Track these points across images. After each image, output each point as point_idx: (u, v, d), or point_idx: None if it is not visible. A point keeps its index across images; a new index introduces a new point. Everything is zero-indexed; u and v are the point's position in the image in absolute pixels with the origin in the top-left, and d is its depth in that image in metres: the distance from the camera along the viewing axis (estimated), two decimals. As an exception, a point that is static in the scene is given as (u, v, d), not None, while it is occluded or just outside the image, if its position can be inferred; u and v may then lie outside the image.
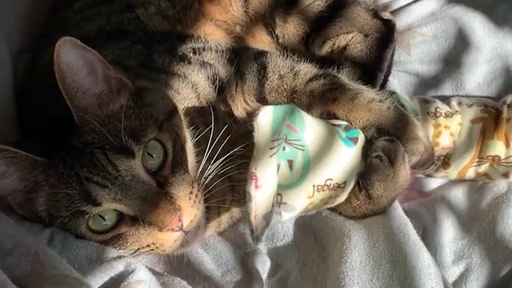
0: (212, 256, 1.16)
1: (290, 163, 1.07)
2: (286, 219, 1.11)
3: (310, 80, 1.17)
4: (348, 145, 1.11)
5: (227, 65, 1.20)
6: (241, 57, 1.21)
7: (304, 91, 1.16)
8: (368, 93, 1.15)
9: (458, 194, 1.24)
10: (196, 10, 1.31)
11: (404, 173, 1.12)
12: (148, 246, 1.03)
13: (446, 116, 1.23)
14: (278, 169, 1.05)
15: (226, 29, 1.33)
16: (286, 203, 1.08)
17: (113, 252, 1.02)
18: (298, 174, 1.08)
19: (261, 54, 1.22)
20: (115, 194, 0.98)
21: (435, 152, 1.19)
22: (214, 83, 1.18)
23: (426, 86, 1.42)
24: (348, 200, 1.14)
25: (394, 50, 1.36)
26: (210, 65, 1.19)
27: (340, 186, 1.10)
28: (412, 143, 1.12)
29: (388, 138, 1.11)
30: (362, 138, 1.13)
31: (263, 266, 1.14)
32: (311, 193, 1.08)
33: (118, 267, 1.01)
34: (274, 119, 1.05)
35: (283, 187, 1.07)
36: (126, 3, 1.31)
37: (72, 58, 1.00)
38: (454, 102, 1.25)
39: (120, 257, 1.02)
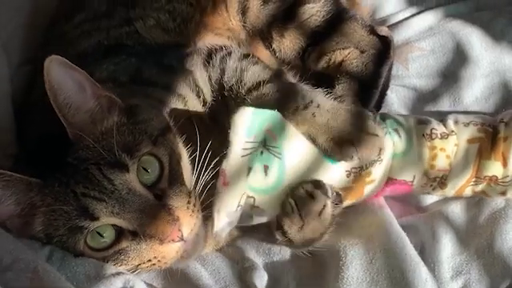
0: (210, 271, 1.17)
1: (266, 168, 1.08)
2: (257, 223, 1.13)
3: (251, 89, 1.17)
4: (331, 161, 1.12)
5: (203, 67, 1.21)
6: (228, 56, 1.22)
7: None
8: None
9: (456, 209, 1.24)
10: (197, 22, 1.33)
11: (316, 225, 1.12)
12: (149, 260, 1.02)
13: (442, 137, 1.20)
14: (250, 171, 1.06)
15: (229, 36, 1.35)
16: (258, 207, 1.09)
17: (111, 268, 1.02)
18: (273, 181, 1.09)
19: (243, 57, 1.22)
20: (112, 207, 0.98)
21: (431, 175, 1.19)
22: (198, 96, 1.19)
23: (423, 100, 1.42)
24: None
25: (391, 65, 1.37)
26: (191, 71, 1.20)
27: None
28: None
29: (314, 184, 1.11)
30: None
31: (261, 281, 1.15)
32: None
33: (117, 284, 1.01)
34: (253, 121, 1.05)
35: (257, 191, 1.08)
36: (126, 17, 1.31)
37: (61, 76, 1.00)
38: (450, 121, 1.22)
39: (119, 273, 1.02)
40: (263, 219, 1.11)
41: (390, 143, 1.17)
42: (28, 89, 1.34)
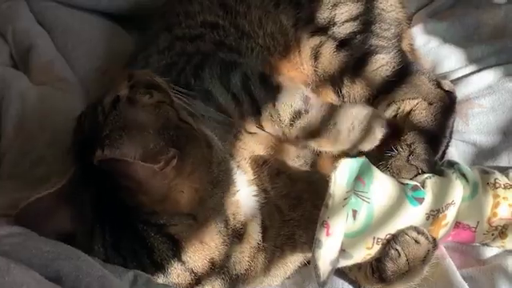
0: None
1: (354, 213, 1.11)
2: (342, 266, 1.15)
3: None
4: (413, 204, 1.15)
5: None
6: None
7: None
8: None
9: (516, 264, 1.25)
10: (269, 65, 1.38)
11: (418, 271, 1.15)
12: None
13: (505, 187, 1.23)
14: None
15: (297, 78, 1.40)
16: (344, 250, 1.12)
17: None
18: (360, 225, 1.12)
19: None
20: None
21: (493, 223, 1.21)
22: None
23: (482, 156, 1.44)
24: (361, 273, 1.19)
25: (454, 120, 1.40)
26: None
27: None
28: None
29: (417, 230, 1.15)
30: (428, 199, 1.17)
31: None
32: (370, 244, 1.13)
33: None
34: (350, 172, 1.10)
35: (345, 235, 1.10)
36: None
37: None
38: None
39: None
40: (348, 262, 1.14)
41: (461, 186, 1.21)
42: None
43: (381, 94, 1.37)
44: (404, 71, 1.38)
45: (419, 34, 1.62)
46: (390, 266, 1.13)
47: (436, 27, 1.63)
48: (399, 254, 1.13)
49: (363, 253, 1.13)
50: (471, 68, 1.56)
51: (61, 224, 1.06)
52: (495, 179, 1.24)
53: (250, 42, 1.39)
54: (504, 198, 1.22)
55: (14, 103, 1.34)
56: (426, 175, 1.24)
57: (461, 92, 1.50)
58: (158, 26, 1.47)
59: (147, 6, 1.68)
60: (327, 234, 1.05)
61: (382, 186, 1.14)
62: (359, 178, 1.12)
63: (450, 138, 1.39)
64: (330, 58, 1.39)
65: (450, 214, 1.19)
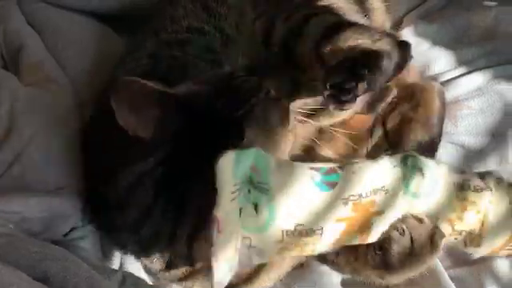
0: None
1: (256, 206, 1.05)
2: (258, 263, 1.11)
3: None
4: (322, 189, 1.07)
5: None
6: None
7: None
8: None
9: (503, 265, 1.26)
10: None
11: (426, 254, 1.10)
12: None
13: (475, 190, 1.14)
14: (241, 212, 1.04)
15: None
16: (255, 247, 1.05)
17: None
18: (265, 218, 1.05)
19: None
20: None
21: (458, 226, 1.14)
22: None
23: (471, 157, 1.46)
24: (347, 257, 1.15)
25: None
26: None
27: (315, 232, 1.06)
28: None
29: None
30: (343, 183, 1.08)
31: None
32: (280, 237, 1.05)
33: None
34: (236, 163, 1.04)
35: (251, 230, 1.05)
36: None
37: None
38: (491, 179, 1.17)
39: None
40: (264, 259, 1.08)
41: (398, 174, 1.11)
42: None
43: None
44: None
45: (409, 35, 1.63)
46: (394, 247, 1.10)
47: (426, 29, 1.64)
48: (404, 232, 1.09)
49: (275, 247, 1.06)
50: (461, 70, 1.57)
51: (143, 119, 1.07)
52: (464, 180, 1.15)
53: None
54: (473, 202, 1.14)
55: (4, 104, 1.33)
56: (357, 159, 1.16)
57: (450, 94, 1.52)
58: (147, 28, 1.47)
59: (140, 6, 1.68)
60: (218, 231, 1.00)
61: (281, 175, 1.07)
62: (254, 169, 1.06)
63: (440, 139, 1.40)
64: None
65: (382, 201, 1.09)
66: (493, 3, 1.69)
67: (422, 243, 1.10)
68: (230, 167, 1.04)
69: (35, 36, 1.56)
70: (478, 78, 1.54)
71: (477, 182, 1.15)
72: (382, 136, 1.31)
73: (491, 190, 1.15)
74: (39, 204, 1.18)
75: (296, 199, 1.06)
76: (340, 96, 1.07)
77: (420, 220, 1.10)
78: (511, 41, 1.58)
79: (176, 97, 1.09)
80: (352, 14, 1.42)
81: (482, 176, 1.18)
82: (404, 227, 1.09)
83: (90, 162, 1.28)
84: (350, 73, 1.08)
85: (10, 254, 0.97)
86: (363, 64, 1.09)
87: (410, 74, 1.47)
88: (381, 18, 1.54)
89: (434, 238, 1.10)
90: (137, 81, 1.06)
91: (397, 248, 1.10)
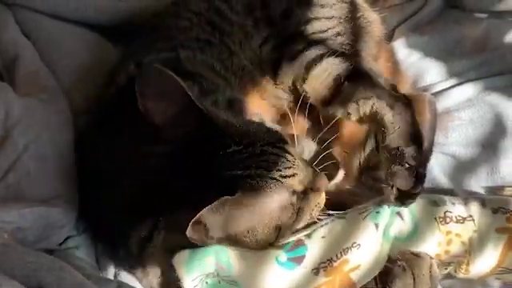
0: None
1: None
2: None
3: None
4: (289, 267, 1.09)
5: None
6: None
7: None
8: None
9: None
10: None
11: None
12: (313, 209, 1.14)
13: (458, 221, 1.17)
14: None
15: None
16: None
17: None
18: None
19: None
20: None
21: (445, 260, 1.18)
22: None
23: (462, 168, 1.46)
24: None
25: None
26: None
27: None
28: None
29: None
30: (312, 253, 1.11)
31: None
32: None
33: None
34: (190, 260, 1.07)
35: None
36: None
37: None
38: (473, 206, 1.20)
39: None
40: None
41: (370, 227, 1.14)
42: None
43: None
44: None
45: (401, 47, 1.66)
46: (396, 283, 1.10)
47: (417, 41, 1.67)
48: (404, 268, 1.11)
49: None
50: (452, 81, 1.59)
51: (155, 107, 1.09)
52: (445, 212, 1.18)
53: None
54: (457, 234, 1.16)
55: (-1, 114, 1.34)
56: (323, 222, 1.17)
57: (441, 105, 1.53)
58: (151, 37, 1.47)
59: (135, 18, 1.68)
60: None
61: (247, 266, 1.09)
62: (218, 264, 1.08)
63: (431, 151, 1.41)
64: None
65: (357, 257, 1.11)
66: (483, 15, 1.72)
67: (422, 278, 1.11)
68: (184, 265, 1.06)
69: (30, 46, 1.57)
70: (469, 90, 1.56)
71: (459, 212, 1.18)
72: (375, 148, 1.32)
73: (474, 221, 1.17)
74: (34, 213, 1.18)
75: (265, 286, 1.07)
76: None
77: (417, 254, 1.12)
78: (501, 53, 1.60)
79: (203, 111, 1.08)
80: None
81: (466, 201, 1.21)
82: (404, 264, 1.11)
83: (86, 172, 1.28)
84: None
85: (5, 264, 0.97)
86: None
87: (402, 85, 1.48)
88: (378, 29, 1.56)
89: (432, 269, 1.12)
90: (169, 74, 1.05)
91: (400, 285, 1.11)
